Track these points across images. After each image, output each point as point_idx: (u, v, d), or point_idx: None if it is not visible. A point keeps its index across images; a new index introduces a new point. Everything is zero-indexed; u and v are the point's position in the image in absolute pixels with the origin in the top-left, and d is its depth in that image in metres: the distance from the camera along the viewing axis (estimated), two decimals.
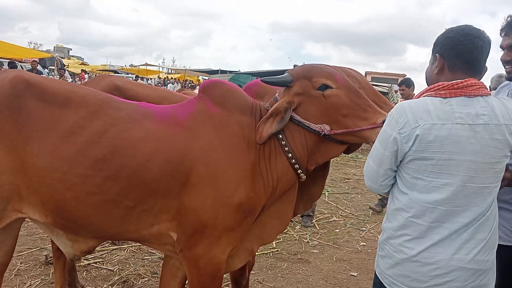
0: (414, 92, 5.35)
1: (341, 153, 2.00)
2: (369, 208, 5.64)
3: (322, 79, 1.82)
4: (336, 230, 4.76)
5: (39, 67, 13.46)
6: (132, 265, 3.49)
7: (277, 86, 1.96)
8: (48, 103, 1.78)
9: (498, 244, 1.53)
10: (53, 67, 16.36)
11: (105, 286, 3.11)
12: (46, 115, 1.76)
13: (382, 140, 1.51)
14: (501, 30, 1.85)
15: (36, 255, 3.51)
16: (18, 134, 1.71)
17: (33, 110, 1.75)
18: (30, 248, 3.62)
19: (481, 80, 1.48)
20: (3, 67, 11.99)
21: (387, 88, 17.62)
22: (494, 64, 1.99)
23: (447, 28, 1.55)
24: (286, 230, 4.47)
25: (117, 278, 3.23)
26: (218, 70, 32.29)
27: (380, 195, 5.64)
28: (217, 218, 1.80)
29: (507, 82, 2.05)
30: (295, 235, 4.43)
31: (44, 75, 9.67)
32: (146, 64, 34.52)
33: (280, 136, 1.84)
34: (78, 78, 20.92)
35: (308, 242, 4.30)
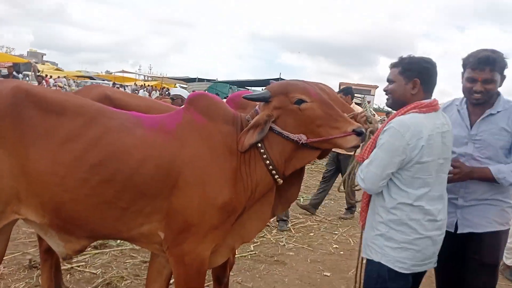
0: (353, 101, 5.74)
1: (315, 158, 2.21)
2: (340, 218, 5.87)
3: (297, 94, 2.02)
4: (310, 234, 5.00)
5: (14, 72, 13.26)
6: (114, 268, 3.60)
7: (258, 102, 2.15)
8: (46, 111, 1.91)
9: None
10: (28, 73, 16.13)
11: None
12: (45, 123, 1.89)
13: (389, 150, 1.89)
14: (480, 63, 2.17)
15: (19, 259, 3.57)
16: (19, 141, 1.84)
17: (33, 118, 1.88)
18: (13, 252, 3.67)
19: None
20: None
21: (360, 99, 18.12)
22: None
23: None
24: (263, 234, 4.67)
25: (101, 280, 3.33)
26: (195, 78, 32.29)
27: (347, 205, 5.92)
28: (202, 217, 1.97)
29: (450, 101, 2.45)
30: (272, 239, 4.63)
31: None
32: (123, 71, 34.26)
33: (259, 145, 2.03)
34: (53, 84, 20.62)
35: (284, 245, 4.50)
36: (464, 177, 2.19)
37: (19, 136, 1.85)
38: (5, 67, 13.66)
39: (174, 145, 1.98)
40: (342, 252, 4.47)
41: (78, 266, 3.54)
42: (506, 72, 2.21)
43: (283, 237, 4.71)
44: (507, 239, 2.70)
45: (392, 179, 1.93)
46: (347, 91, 5.71)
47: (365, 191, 2.05)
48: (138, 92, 22.24)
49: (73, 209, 1.91)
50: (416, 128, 1.86)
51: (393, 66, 2.07)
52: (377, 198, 2.01)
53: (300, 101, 2.01)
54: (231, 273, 3.13)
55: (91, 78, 32.70)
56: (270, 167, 2.04)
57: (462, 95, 2.36)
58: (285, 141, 2.04)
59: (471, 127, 2.25)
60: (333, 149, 2.58)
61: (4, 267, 3.39)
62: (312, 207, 5.80)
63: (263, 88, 2.15)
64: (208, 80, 31.77)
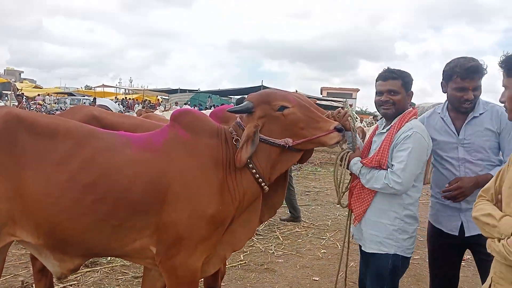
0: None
1: (297, 160, 2.30)
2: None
3: (279, 101, 2.13)
4: (298, 240, 5.09)
5: None
6: (107, 285, 3.63)
7: (242, 114, 2.23)
8: (38, 135, 1.97)
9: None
10: (7, 92, 15.92)
11: None
12: (38, 146, 1.95)
13: (418, 154, 2.16)
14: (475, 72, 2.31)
15: (11, 281, 3.58)
16: (13, 164, 1.90)
17: (26, 142, 1.94)
18: (4, 275, 3.68)
19: None
20: None
21: (342, 103, 18.41)
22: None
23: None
24: (252, 243, 4.75)
25: None
26: (177, 89, 32.22)
27: (290, 210, 5.95)
28: (192, 230, 2.05)
29: (431, 110, 2.60)
30: (261, 247, 4.71)
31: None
32: (103, 86, 33.94)
33: None
34: (33, 102, 20.37)
35: (273, 252, 4.59)
36: (470, 190, 2.25)
37: (13, 160, 1.91)
38: None
39: (162, 161, 2.06)
40: (330, 257, 4.58)
41: (71, 285, 3.57)
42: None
43: (272, 245, 4.80)
44: None
45: None
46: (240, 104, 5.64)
47: (395, 192, 2.18)
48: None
49: (68, 228, 1.98)
50: (426, 132, 2.25)
51: (393, 78, 2.27)
52: (393, 196, 2.22)
53: (283, 108, 2.12)
54: (222, 283, 3.21)
55: (70, 94, 32.37)
56: (257, 175, 2.13)
57: (441, 94, 2.50)
58: (271, 147, 2.14)
59: (458, 133, 2.38)
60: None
61: None
62: (294, 215, 5.88)
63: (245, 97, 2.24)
64: (190, 91, 31.75)
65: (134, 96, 35.36)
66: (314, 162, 12.37)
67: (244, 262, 4.26)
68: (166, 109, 15.75)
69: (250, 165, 2.12)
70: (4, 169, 1.90)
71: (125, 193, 1.98)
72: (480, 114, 2.35)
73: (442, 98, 2.56)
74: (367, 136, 2.58)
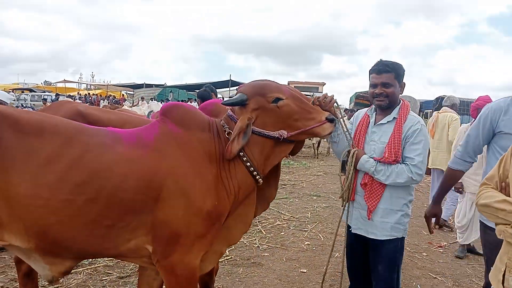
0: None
1: (290, 151, 2.28)
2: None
3: (274, 93, 2.10)
4: (281, 233, 5.11)
5: None
6: (92, 286, 3.51)
7: (235, 106, 2.17)
8: (23, 133, 1.85)
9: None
10: None
11: None
12: (23, 145, 1.83)
13: (427, 145, 2.33)
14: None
15: None
16: None
17: (10, 141, 1.81)
18: None
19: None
20: None
21: (310, 97, 18.63)
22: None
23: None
24: None
25: None
26: (143, 84, 31.61)
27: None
28: (189, 227, 1.99)
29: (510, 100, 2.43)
30: (245, 242, 4.69)
31: None
32: (65, 81, 32.73)
33: None
34: None
35: (258, 246, 4.59)
36: None
37: None
38: None
39: (154, 157, 1.99)
40: (314, 248, 4.62)
41: None
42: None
43: (256, 239, 4.80)
44: None
45: None
46: (200, 95, 5.21)
47: (415, 184, 2.36)
48: (58, 98, 21.15)
49: (60, 230, 1.88)
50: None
51: (386, 71, 2.33)
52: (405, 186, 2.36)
53: (277, 99, 2.09)
54: None
55: (31, 90, 30.94)
56: (251, 168, 2.10)
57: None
58: (264, 140, 2.11)
59: None
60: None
61: None
62: None
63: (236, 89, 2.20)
64: (157, 86, 31.20)
65: (98, 91, 34.37)
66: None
67: (230, 257, 4.24)
68: (134, 104, 15.41)
69: (244, 158, 2.09)
70: None
71: (118, 192, 1.89)
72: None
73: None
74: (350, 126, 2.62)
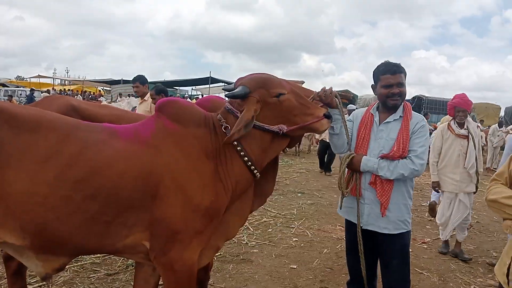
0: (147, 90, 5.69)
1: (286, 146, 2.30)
2: None
3: (277, 88, 2.11)
4: (269, 230, 5.13)
5: None
6: (79, 284, 3.44)
7: (238, 99, 2.13)
8: (18, 129, 1.80)
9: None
10: None
11: None
12: (19, 142, 1.78)
13: (428, 140, 2.46)
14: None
15: None
16: None
17: (5, 138, 1.76)
18: None
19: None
20: None
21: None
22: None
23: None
24: None
25: None
26: (120, 80, 31.01)
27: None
28: (187, 224, 1.97)
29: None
30: (233, 238, 4.68)
31: None
32: (39, 76, 31.86)
33: (236, 143, 2.08)
34: None
35: (247, 243, 4.59)
36: None
37: None
38: None
39: (151, 154, 1.97)
40: (302, 244, 4.66)
41: (40, 286, 3.34)
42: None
43: (244, 236, 4.80)
44: None
45: None
46: (142, 80, 5.74)
47: (418, 174, 2.44)
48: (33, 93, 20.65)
49: (56, 227, 1.83)
50: None
51: (399, 72, 2.43)
52: (408, 180, 2.49)
53: (280, 94, 2.10)
54: None
55: (3, 85, 29.96)
56: (249, 163, 2.09)
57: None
58: (263, 134, 2.10)
59: None
60: None
61: None
62: None
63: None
64: None
65: (73, 87, 33.60)
66: None
67: (219, 254, 4.22)
68: (113, 100, 15.10)
69: (242, 153, 2.08)
70: None
71: (116, 188, 1.86)
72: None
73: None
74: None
